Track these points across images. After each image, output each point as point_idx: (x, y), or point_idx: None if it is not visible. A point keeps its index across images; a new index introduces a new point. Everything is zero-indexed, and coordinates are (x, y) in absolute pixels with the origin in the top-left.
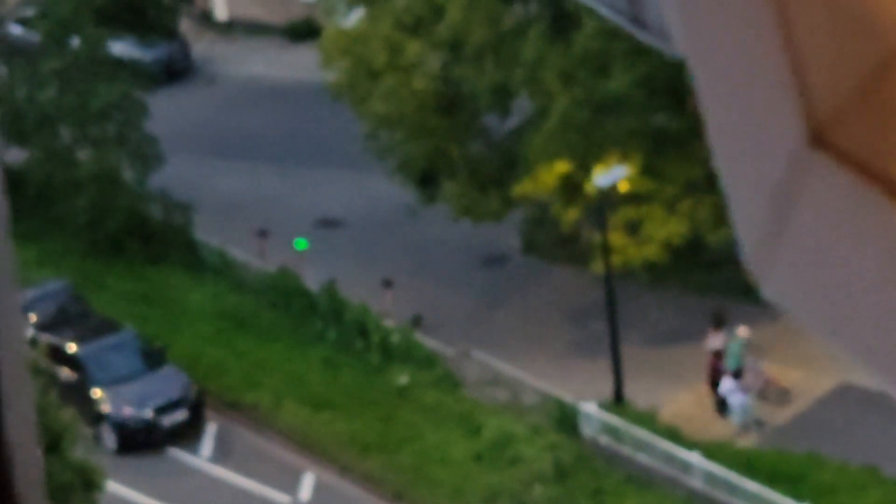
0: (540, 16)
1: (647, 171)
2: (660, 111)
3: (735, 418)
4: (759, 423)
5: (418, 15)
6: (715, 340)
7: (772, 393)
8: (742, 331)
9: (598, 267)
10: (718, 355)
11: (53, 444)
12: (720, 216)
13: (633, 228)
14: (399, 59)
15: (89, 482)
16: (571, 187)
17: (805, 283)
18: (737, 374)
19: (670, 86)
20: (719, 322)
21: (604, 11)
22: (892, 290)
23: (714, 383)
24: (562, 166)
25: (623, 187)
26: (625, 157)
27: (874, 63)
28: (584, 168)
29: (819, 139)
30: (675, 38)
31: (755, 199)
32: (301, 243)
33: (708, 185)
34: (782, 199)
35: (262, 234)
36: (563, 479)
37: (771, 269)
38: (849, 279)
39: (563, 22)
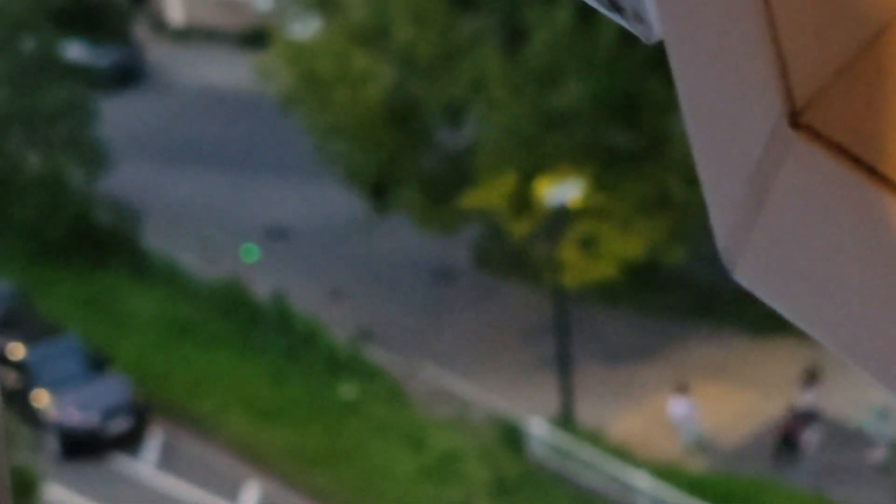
0: (492, 29)
1: (599, 186)
2: (612, 127)
3: (683, 439)
4: (706, 447)
5: (369, 27)
6: (804, 398)
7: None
8: (874, 397)
9: (548, 281)
10: (804, 417)
11: None
12: (674, 237)
13: (586, 244)
14: (348, 71)
15: (27, 488)
16: (520, 200)
17: (779, 267)
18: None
19: (624, 103)
20: (812, 378)
21: None
22: (868, 275)
23: (787, 441)
24: (509, 178)
25: (577, 203)
26: (575, 171)
27: (856, 43)
28: (533, 180)
29: (798, 120)
30: (651, 20)
31: (730, 182)
32: (250, 252)
33: (661, 205)
34: (758, 181)
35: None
36: (507, 496)
37: (744, 253)
38: (824, 264)
39: (515, 35)
